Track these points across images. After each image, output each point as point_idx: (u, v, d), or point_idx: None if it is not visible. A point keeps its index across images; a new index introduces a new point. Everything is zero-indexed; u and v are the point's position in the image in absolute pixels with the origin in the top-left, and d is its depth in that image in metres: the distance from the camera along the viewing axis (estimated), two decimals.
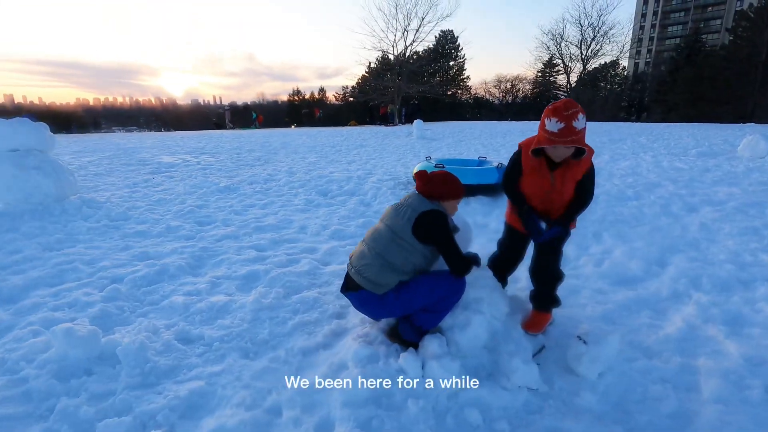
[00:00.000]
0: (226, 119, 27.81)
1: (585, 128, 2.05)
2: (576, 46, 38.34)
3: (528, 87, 54.04)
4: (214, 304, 2.83)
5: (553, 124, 2.02)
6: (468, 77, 54.93)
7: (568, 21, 47.29)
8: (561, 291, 3.04)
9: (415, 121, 16.46)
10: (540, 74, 48.73)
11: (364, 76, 45.20)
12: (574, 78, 40.93)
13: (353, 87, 49.93)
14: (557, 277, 2.56)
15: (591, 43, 37.27)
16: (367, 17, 47.82)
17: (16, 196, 5.09)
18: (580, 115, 2.00)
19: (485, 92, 58.39)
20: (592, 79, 45.13)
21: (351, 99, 52.24)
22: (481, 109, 55.82)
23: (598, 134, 16.35)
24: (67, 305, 2.81)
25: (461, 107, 54.13)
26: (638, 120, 41.91)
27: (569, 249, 3.89)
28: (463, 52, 53.14)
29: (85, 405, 1.89)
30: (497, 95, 58.01)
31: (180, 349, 2.35)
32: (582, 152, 2.12)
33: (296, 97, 64.94)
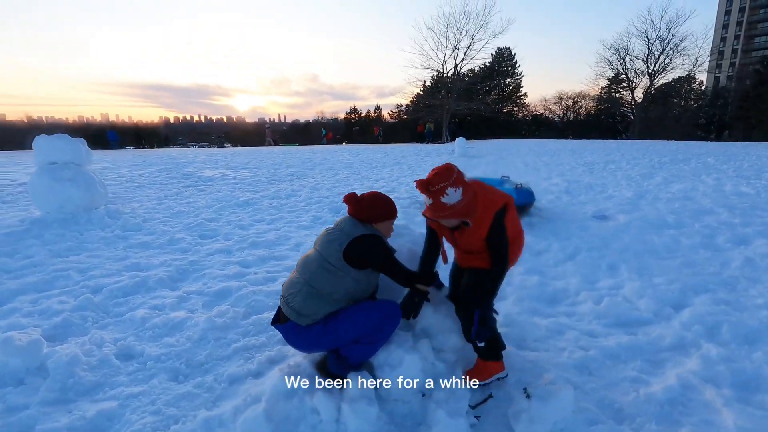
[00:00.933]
0: (266, 136, 29.36)
1: (463, 200, 1.89)
2: (642, 60, 35.97)
3: (591, 104, 51.40)
4: (171, 320, 2.81)
5: (425, 198, 1.94)
6: (525, 94, 53.54)
7: (633, 35, 44.21)
8: (541, 330, 2.70)
9: (456, 138, 16.16)
10: (604, 90, 46.19)
11: (418, 94, 45.55)
12: (639, 94, 38.29)
13: (407, 105, 50.49)
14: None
15: (659, 57, 34.79)
16: (416, 36, 48.15)
17: (52, 206, 5.52)
18: (450, 189, 1.86)
19: (545, 109, 56.41)
20: (662, 95, 41.98)
21: (405, 117, 52.81)
22: (539, 126, 53.90)
23: (660, 154, 15.01)
24: (38, 312, 2.92)
25: (518, 125, 52.64)
26: (718, 139, 38.19)
27: (572, 280, 3.48)
28: (520, 69, 52.04)
29: None
30: (558, 113, 55.77)
31: (114, 365, 2.33)
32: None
33: (352, 116, 66.79)
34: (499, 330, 2.56)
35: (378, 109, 67.13)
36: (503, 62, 52.15)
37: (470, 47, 31.32)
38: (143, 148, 28.71)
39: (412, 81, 38.26)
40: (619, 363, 2.36)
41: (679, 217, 5.51)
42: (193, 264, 3.93)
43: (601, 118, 49.21)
